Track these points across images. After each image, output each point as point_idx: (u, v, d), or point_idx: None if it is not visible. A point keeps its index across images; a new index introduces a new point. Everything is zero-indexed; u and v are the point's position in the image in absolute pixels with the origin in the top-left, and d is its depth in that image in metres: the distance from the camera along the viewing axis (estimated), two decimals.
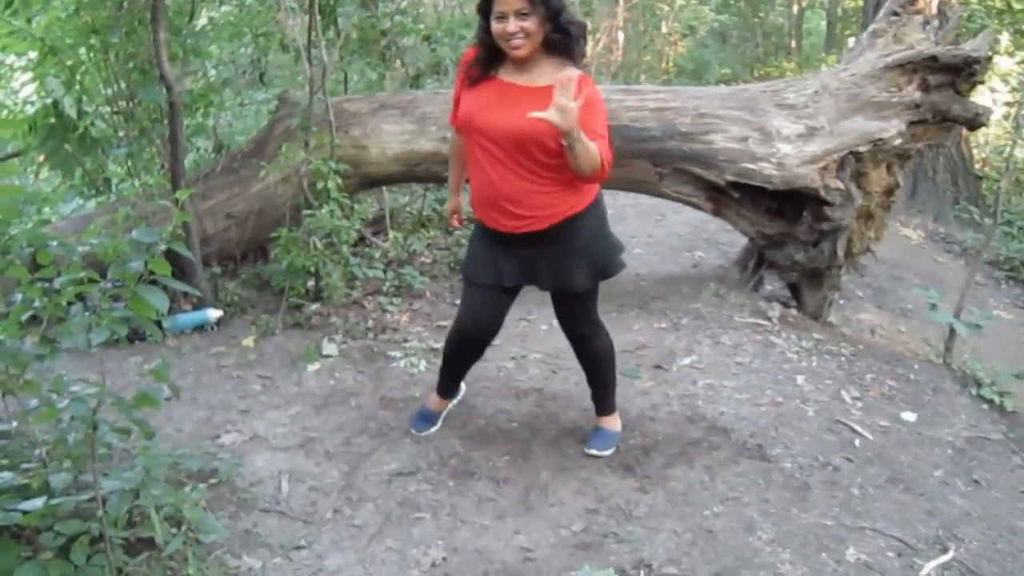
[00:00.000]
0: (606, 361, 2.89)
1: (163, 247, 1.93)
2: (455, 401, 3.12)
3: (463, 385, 3.15)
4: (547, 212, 2.49)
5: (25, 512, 1.98)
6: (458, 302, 4.07)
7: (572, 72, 2.22)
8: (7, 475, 2.11)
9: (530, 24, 2.35)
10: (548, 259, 2.57)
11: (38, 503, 2.01)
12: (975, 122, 4.06)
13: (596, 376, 2.92)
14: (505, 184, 2.46)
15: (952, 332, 3.78)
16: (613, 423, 2.96)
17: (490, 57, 2.49)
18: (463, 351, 2.90)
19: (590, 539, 2.47)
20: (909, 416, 3.25)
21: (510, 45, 2.38)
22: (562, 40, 2.42)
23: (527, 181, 2.45)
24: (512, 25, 2.34)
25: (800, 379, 3.42)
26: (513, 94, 2.43)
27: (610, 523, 2.54)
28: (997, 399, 3.45)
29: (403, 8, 5.38)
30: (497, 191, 2.48)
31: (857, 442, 3.01)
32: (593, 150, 2.29)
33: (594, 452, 2.88)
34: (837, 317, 4.39)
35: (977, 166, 7.72)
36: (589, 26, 11.74)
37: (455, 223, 3.06)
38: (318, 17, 4.06)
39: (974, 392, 3.51)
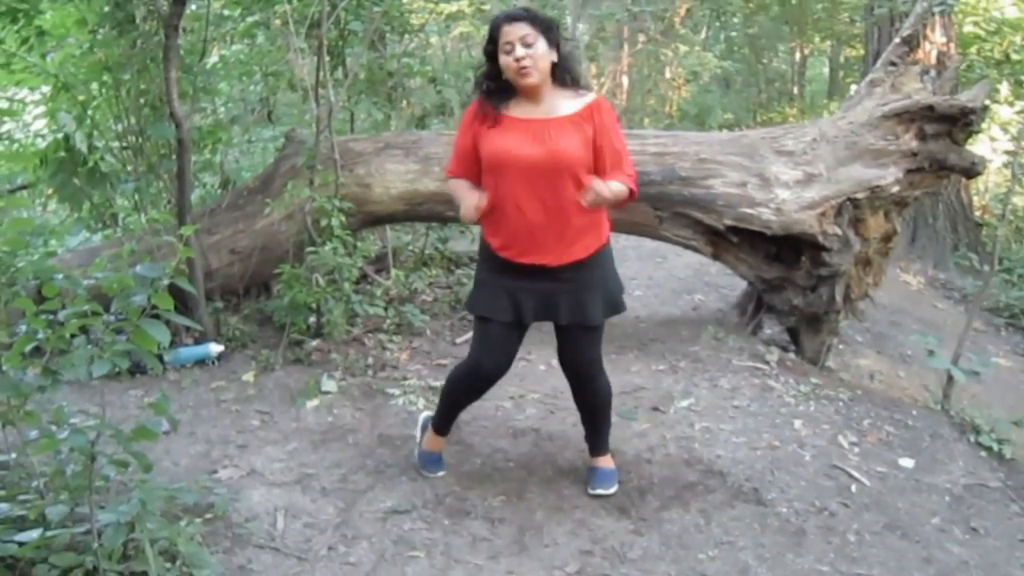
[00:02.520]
0: (607, 403, 2.89)
1: (166, 282, 1.97)
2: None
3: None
4: (578, 245, 2.62)
5: (20, 544, 1.99)
6: (458, 341, 4.15)
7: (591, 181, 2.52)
8: (4, 506, 2.13)
9: (536, 50, 2.45)
10: (568, 294, 2.65)
11: (34, 535, 2.02)
12: (971, 171, 4.11)
13: (595, 418, 2.91)
14: (544, 214, 2.54)
15: (950, 378, 3.78)
16: (610, 462, 2.96)
17: (499, 100, 2.57)
18: (474, 390, 2.88)
19: None
20: (907, 462, 3.25)
21: (520, 72, 2.46)
22: (567, 67, 2.56)
23: (562, 213, 2.55)
24: (519, 51, 2.44)
25: (797, 423, 3.42)
26: (536, 128, 2.52)
27: (604, 565, 2.53)
28: (995, 446, 3.45)
29: (410, 50, 5.49)
30: (534, 222, 2.55)
31: (854, 488, 3.01)
32: (618, 189, 2.56)
33: (600, 491, 2.86)
34: (836, 362, 4.40)
35: (977, 213, 7.75)
36: (594, 70, 12.01)
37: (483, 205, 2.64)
38: (327, 58, 4.15)
39: (972, 439, 3.50)
